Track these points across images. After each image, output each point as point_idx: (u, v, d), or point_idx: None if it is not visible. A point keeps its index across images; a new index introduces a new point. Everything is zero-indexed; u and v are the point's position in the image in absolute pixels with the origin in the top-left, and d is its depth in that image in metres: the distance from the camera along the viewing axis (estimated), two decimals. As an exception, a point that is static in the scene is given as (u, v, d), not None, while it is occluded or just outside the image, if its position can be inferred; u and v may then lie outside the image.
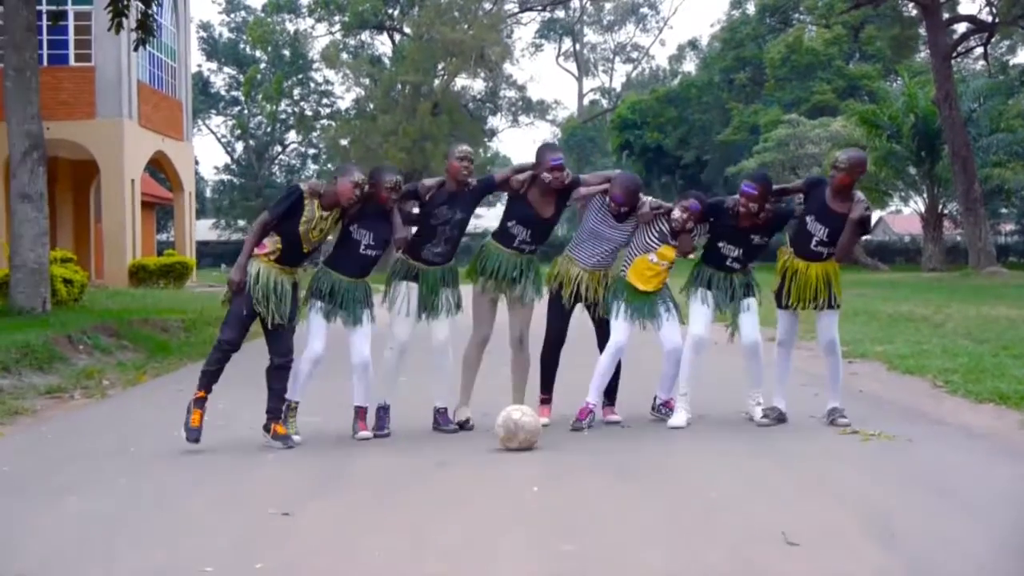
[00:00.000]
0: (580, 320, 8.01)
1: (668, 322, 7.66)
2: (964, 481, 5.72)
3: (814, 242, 7.47)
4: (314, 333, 7.30)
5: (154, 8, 16.23)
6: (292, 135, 67.07)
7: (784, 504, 5.26)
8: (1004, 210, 49.75)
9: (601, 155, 68.56)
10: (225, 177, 68.67)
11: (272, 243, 7.06)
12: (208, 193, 69.71)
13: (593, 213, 7.71)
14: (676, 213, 7.50)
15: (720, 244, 7.70)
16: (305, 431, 7.44)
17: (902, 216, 67.77)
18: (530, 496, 5.60)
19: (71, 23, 25.09)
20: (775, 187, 7.62)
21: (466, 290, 7.84)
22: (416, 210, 7.48)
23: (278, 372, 7.21)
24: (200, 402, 7.16)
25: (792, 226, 7.77)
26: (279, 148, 68.47)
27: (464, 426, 7.70)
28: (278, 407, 7.23)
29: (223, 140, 68.62)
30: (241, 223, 66.17)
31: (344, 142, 51.13)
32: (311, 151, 67.45)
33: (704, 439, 7.09)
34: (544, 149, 7.67)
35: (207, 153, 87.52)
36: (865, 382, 9.59)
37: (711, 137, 51.22)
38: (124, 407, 9.66)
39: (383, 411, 7.57)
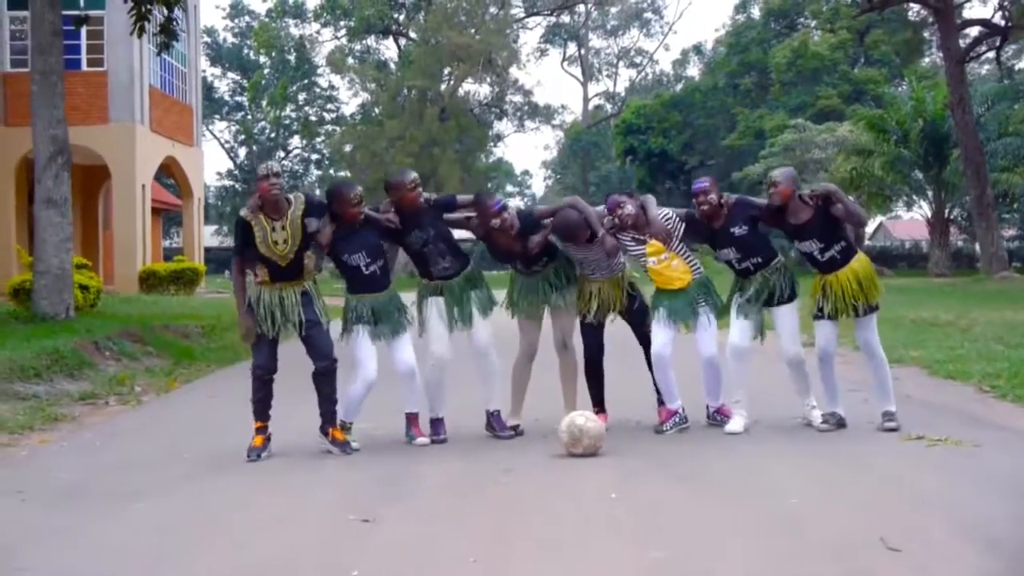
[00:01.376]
0: (623, 332, 7.98)
1: (702, 330, 7.59)
2: (1043, 486, 5.67)
3: (819, 255, 7.37)
4: (364, 357, 7.24)
5: (177, 12, 16.09)
6: (296, 140, 67.03)
7: (870, 510, 5.19)
8: (1007, 215, 49.70)
9: (606, 160, 68.55)
10: (228, 183, 68.56)
11: (261, 272, 7.03)
12: (211, 199, 69.59)
13: (567, 250, 7.75)
14: (608, 221, 7.48)
15: (718, 252, 7.67)
16: (359, 437, 7.39)
17: (902, 221, 67.88)
18: (609, 502, 5.54)
19: (83, 28, 24.98)
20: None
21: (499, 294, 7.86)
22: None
23: (324, 376, 7.16)
24: (260, 431, 7.13)
25: (795, 256, 7.71)
26: (282, 153, 68.38)
27: (515, 431, 7.64)
28: (332, 409, 7.19)
29: (226, 145, 68.57)
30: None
31: (348, 148, 51.10)
32: (314, 156, 67.39)
33: (765, 444, 7.02)
34: (481, 197, 7.63)
35: (210, 159, 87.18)
36: (909, 387, 9.50)
37: (716, 142, 51.15)
38: (162, 413, 9.65)
39: (437, 422, 7.53)
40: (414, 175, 7.39)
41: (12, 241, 24.19)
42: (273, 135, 66.02)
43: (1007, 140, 34.76)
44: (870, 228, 64.23)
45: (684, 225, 7.53)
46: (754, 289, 7.54)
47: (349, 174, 51.68)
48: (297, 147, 67.90)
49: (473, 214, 7.48)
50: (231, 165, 68.97)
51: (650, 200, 7.60)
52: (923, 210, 39.54)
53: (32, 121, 14.56)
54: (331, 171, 61.25)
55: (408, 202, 7.25)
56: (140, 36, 15.87)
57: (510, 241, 7.53)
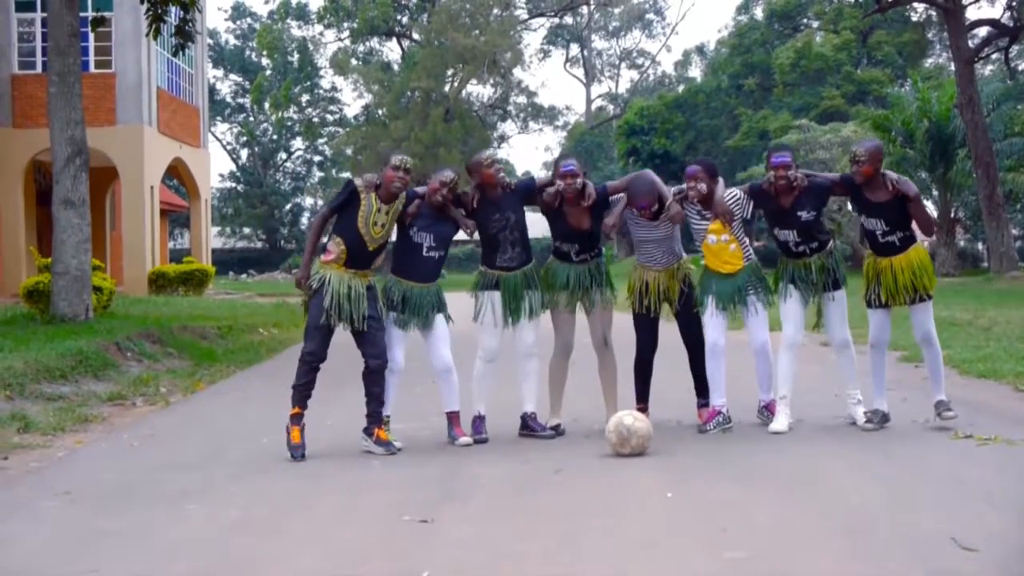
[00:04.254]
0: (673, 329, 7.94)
1: (754, 316, 7.53)
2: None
3: (880, 236, 7.32)
4: (392, 344, 7.21)
5: (192, 14, 16.05)
6: (297, 142, 67.02)
7: (934, 509, 5.14)
8: (1012, 215, 49.65)
9: (608, 161, 68.46)
10: (230, 184, 68.54)
11: (337, 248, 6.99)
12: (213, 201, 69.58)
13: (631, 226, 7.68)
14: (678, 190, 7.51)
15: (775, 231, 7.58)
16: (400, 437, 7.34)
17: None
18: (667, 502, 5.50)
19: (90, 30, 24.95)
20: (807, 174, 7.49)
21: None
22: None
23: (374, 375, 7.09)
24: (296, 419, 7.04)
25: (858, 230, 7.64)
26: (284, 155, 68.38)
27: (556, 431, 7.59)
28: (379, 411, 7.12)
29: (228, 147, 68.60)
30: (246, 230, 66.12)
31: (348, 151, 51.09)
32: (316, 158, 67.37)
33: (814, 443, 6.96)
34: (558, 159, 7.65)
35: (212, 161, 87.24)
36: (945, 386, 9.46)
37: (719, 143, 51.05)
38: (193, 414, 9.59)
39: (478, 420, 7.47)
40: (489, 152, 7.39)
41: (23, 243, 24.14)
42: (275, 137, 66.02)
43: (1013, 140, 34.74)
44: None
45: (752, 203, 7.48)
46: (814, 275, 7.47)
47: (350, 175, 51.72)
48: (299, 149, 67.92)
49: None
50: (233, 167, 69.03)
51: (719, 181, 7.51)
52: (929, 210, 39.50)
53: (50, 122, 14.50)
54: (334, 172, 61.30)
55: (487, 179, 7.26)
56: (155, 37, 15.84)
57: (580, 215, 7.46)
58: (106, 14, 23.51)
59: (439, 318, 7.33)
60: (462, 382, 7.42)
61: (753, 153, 44.99)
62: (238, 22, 66.30)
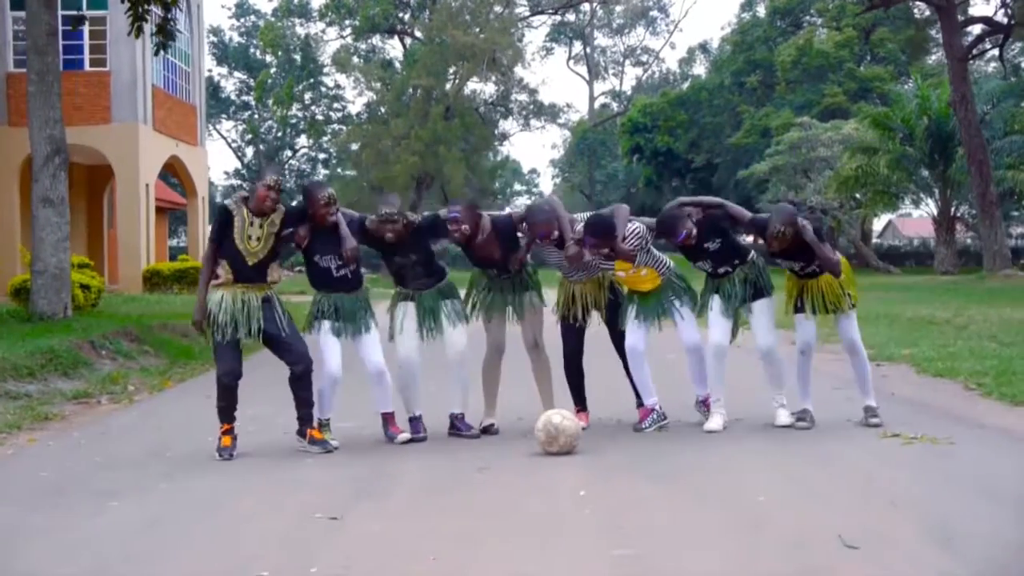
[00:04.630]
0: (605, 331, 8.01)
1: (683, 320, 7.62)
2: (1013, 485, 5.66)
3: (799, 271, 7.46)
4: (327, 353, 7.28)
5: (174, 13, 16.16)
6: (302, 139, 67.16)
7: (835, 507, 5.21)
8: (1016, 212, 49.59)
9: (612, 158, 68.53)
10: (235, 182, 68.74)
11: (224, 272, 7.05)
12: (219, 198, 69.80)
13: (544, 254, 7.78)
14: (571, 252, 7.43)
15: (693, 264, 7.71)
16: (341, 436, 7.43)
17: (911, 219, 67.79)
18: (578, 500, 5.57)
19: (86, 28, 25.05)
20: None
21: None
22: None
23: (299, 380, 7.18)
24: (228, 432, 7.15)
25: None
26: (289, 153, 68.53)
27: (489, 431, 7.68)
28: (309, 412, 7.21)
29: (233, 145, 68.78)
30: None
31: (355, 146, 51.20)
32: (321, 155, 67.53)
33: (743, 442, 7.04)
34: (449, 205, 7.75)
35: (217, 158, 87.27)
36: (896, 385, 9.54)
37: (722, 140, 51.10)
38: (152, 412, 9.67)
39: (415, 420, 7.56)
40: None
41: (16, 241, 24.27)
42: (280, 134, 66.16)
43: (1013, 138, 34.71)
44: (879, 226, 64.11)
45: (653, 235, 7.53)
46: (736, 287, 7.55)
47: (355, 173, 51.84)
48: (304, 146, 68.06)
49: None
50: (238, 164, 69.22)
51: (621, 216, 7.46)
52: (930, 208, 39.44)
53: (29, 121, 14.62)
54: (338, 170, 61.40)
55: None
56: (138, 37, 15.92)
57: (488, 248, 7.55)
58: (95, 13, 23.73)
59: (370, 322, 7.41)
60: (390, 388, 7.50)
61: (755, 151, 45.01)
62: (242, 19, 66.43)
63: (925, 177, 37.80)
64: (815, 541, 4.62)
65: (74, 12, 18.28)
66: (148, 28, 16.34)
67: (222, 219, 7.03)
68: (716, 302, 7.61)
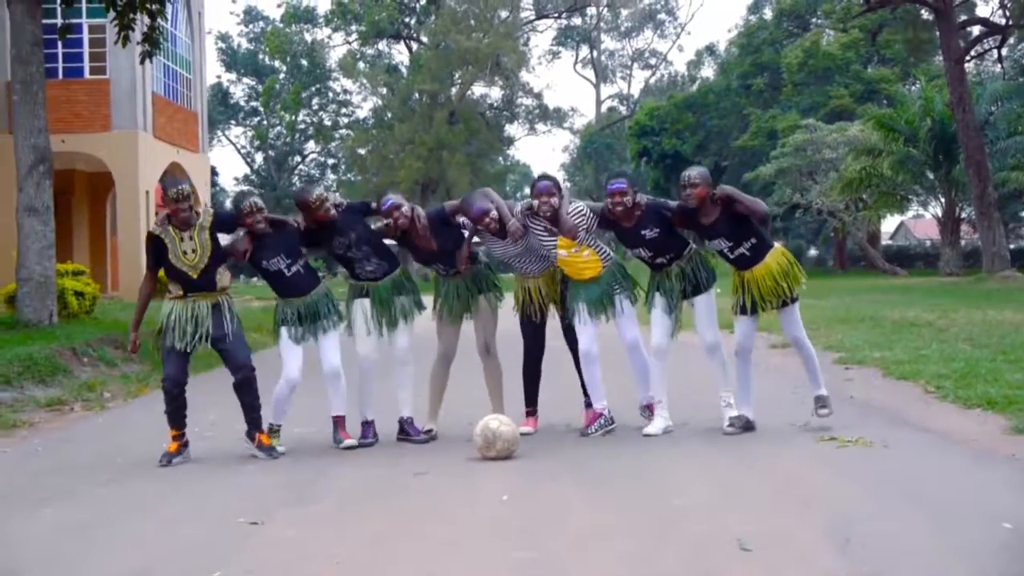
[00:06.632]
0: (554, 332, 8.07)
1: (621, 315, 7.66)
2: (933, 487, 5.68)
3: (729, 252, 7.45)
4: (288, 359, 7.39)
5: (160, 22, 16.28)
6: (311, 145, 67.34)
7: (748, 510, 5.26)
8: (1022, 214, 49.37)
9: (619, 162, 68.48)
10: (245, 188, 68.95)
11: (176, 288, 7.20)
12: (228, 204, 70.07)
13: (489, 247, 7.86)
14: (525, 204, 7.65)
15: (629, 251, 7.79)
16: (293, 440, 7.51)
17: (923, 221, 67.54)
18: (499, 505, 5.63)
19: (85, 36, 25.32)
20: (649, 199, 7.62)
21: (427, 299, 7.95)
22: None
23: (241, 386, 7.31)
24: (177, 438, 7.29)
25: (713, 251, 7.73)
26: (298, 158, 68.73)
27: (429, 435, 7.73)
28: (257, 416, 7.32)
29: (243, 151, 69.01)
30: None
31: (362, 151, 51.37)
32: (330, 161, 67.71)
33: (683, 446, 7.09)
34: (381, 195, 7.82)
35: (227, 164, 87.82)
36: (857, 388, 9.56)
37: (729, 143, 51.08)
38: (121, 419, 9.76)
39: (366, 425, 7.64)
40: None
41: (12, 249, 24.39)
42: (288, 140, 66.38)
43: (1017, 139, 34.57)
44: (889, 228, 63.93)
45: (597, 220, 7.59)
46: (673, 282, 7.59)
47: (362, 178, 51.99)
48: (313, 151, 68.25)
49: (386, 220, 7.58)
50: (248, 170, 69.44)
51: (564, 198, 7.59)
52: (935, 210, 39.29)
53: (13, 130, 14.75)
54: (347, 175, 61.53)
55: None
56: (124, 45, 16.03)
57: (424, 240, 7.63)
58: (94, 21, 23.94)
59: (330, 322, 7.49)
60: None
61: (762, 153, 44.94)
62: (251, 26, 66.71)
63: (930, 179, 37.66)
64: (715, 543, 4.67)
65: (60, 21, 18.27)
66: (134, 36, 16.42)
67: (152, 246, 7.17)
68: (658, 300, 7.66)
